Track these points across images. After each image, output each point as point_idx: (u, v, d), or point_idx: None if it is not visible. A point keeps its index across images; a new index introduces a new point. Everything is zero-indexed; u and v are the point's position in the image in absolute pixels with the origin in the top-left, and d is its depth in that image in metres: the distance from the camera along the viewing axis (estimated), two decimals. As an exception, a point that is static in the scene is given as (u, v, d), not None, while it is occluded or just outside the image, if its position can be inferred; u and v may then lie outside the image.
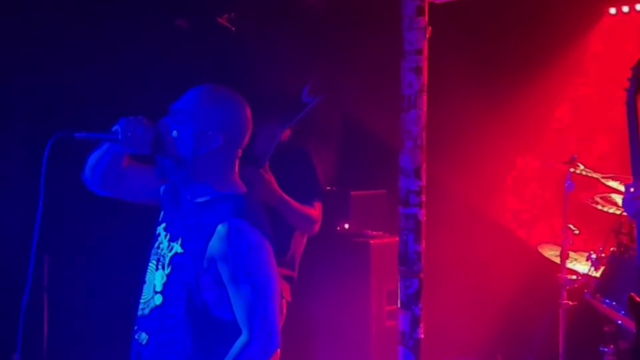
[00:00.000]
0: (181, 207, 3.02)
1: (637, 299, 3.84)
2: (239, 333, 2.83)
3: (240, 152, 3.02)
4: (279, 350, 2.94)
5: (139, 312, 3.02)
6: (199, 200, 2.97)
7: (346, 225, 6.45)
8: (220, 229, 2.83)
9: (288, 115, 4.67)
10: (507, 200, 7.22)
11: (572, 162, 5.47)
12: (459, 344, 6.66)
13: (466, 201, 6.89)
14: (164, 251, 2.98)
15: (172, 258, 2.94)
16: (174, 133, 2.93)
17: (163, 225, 3.06)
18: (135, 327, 3.03)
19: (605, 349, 5.32)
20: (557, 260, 5.57)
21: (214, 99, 2.97)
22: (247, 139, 3.03)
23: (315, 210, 4.69)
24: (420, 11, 3.94)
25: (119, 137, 2.89)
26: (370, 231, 6.37)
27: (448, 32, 4.54)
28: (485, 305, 6.70)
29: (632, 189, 3.66)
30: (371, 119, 6.57)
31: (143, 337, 2.98)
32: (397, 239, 3.92)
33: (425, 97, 3.98)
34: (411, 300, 3.96)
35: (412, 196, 3.99)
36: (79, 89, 5.58)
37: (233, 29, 6.06)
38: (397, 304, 3.91)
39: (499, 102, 6.75)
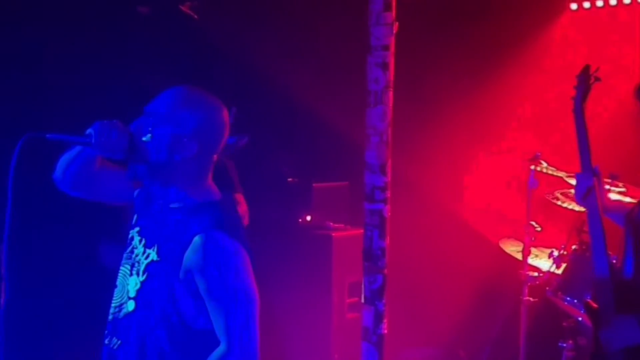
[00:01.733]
0: (155, 212, 2.92)
1: (594, 305, 3.84)
2: (217, 343, 2.76)
3: (215, 157, 2.92)
4: None
5: (110, 317, 2.94)
6: (172, 206, 2.88)
7: (308, 217, 6.43)
8: (197, 240, 2.74)
9: None
10: (471, 196, 7.25)
11: (536, 160, 5.48)
12: (421, 337, 6.69)
13: (430, 197, 6.91)
14: (139, 257, 2.89)
15: (147, 265, 2.85)
16: (147, 136, 2.82)
17: (137, 229, 2.96)
18: (106, 332, 2.95)
19: (564, 345, 5.36)
20: (519, 256, 5.59)
21: (190, 103, 2.85)
22: (223, 143, 2.92)
23: (243, 204, 4.64)
24: (387, 6, 3.93)
25: (92, 141, 2.77)
26: (332, 223, 6.36)
27: (413, 27, 4.53)
28: (447, 299, 6.74)
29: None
30: (333, 112, 6.55)
31: (115, 341, 2.90)
32: (359, 231, 3.92)
33: (391, 93, 3.97)
34: (375, 296, 3.96)
35: (377, 192, 3.99)
36: (47, 86, 5.47)
37: (196, 17, 5.98)
38: (358, 296, 3.91)
39: (462, 97, 6.78)
